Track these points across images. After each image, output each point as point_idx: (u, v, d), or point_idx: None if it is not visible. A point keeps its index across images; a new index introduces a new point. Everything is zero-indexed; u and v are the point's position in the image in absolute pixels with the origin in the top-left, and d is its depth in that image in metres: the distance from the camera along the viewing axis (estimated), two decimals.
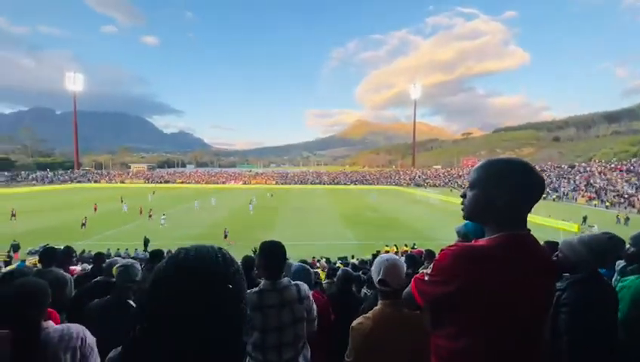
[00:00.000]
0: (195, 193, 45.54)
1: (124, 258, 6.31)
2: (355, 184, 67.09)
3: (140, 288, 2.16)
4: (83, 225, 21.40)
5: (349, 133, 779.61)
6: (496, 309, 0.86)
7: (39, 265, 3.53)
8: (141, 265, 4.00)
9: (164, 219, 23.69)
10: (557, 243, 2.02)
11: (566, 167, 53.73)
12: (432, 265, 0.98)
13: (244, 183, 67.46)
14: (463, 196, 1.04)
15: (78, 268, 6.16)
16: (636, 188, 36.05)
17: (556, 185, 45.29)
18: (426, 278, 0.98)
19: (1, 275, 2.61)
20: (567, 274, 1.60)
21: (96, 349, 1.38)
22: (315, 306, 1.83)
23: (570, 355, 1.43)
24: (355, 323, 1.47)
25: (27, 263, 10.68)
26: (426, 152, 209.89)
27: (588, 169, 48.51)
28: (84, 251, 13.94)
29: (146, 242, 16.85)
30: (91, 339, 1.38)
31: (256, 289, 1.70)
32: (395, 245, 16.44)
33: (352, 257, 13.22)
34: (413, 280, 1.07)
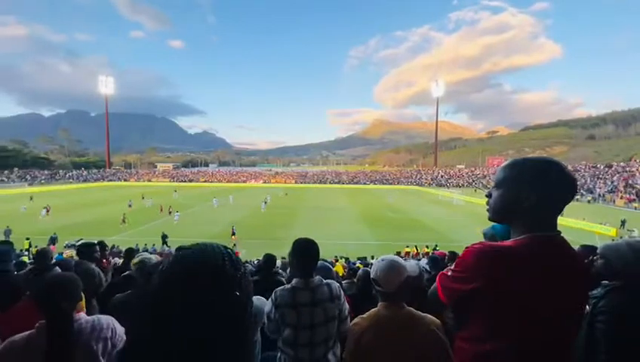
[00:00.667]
0: (217, 191, 46.77)
1: (151, 253, 6.59)
2: (375, 184, 66.28)
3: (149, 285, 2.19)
4: (123, 221, 22.82)
5: (369, 133, 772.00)
6: (522, 311, 0.84)
7: (76, 258, 3.74)
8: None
9: (177, 215, 24.87)
10: (594, 248, 1.88)
11: (602, 167, 50.45)
12: (455, 262, 0.97)
13: (264, 182, 68.47)
14: (489, 196, 1.01)
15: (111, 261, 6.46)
16: None
17: (591, 186, 42.60)
18: (449, 274, 0.97)
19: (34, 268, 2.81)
20: (605, 282, 1.49)
21: (125, 339, 1.43)
22: (347, 305, 1.81)
23: None
24: (352, 322, 1.45)
25: (64, 256, 11.39)
26: (449, 151, 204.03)
27: (627, 169, 45.21)
28: (114, 246, 14.69)
29: (164, 238, 17.56)
30: (120, 330, 1.44)
31: (289, 286, 1.71)
32: (416, 246, 16.10)
33: (372, 258, 13.07)
34: (438, 276, 1.05)
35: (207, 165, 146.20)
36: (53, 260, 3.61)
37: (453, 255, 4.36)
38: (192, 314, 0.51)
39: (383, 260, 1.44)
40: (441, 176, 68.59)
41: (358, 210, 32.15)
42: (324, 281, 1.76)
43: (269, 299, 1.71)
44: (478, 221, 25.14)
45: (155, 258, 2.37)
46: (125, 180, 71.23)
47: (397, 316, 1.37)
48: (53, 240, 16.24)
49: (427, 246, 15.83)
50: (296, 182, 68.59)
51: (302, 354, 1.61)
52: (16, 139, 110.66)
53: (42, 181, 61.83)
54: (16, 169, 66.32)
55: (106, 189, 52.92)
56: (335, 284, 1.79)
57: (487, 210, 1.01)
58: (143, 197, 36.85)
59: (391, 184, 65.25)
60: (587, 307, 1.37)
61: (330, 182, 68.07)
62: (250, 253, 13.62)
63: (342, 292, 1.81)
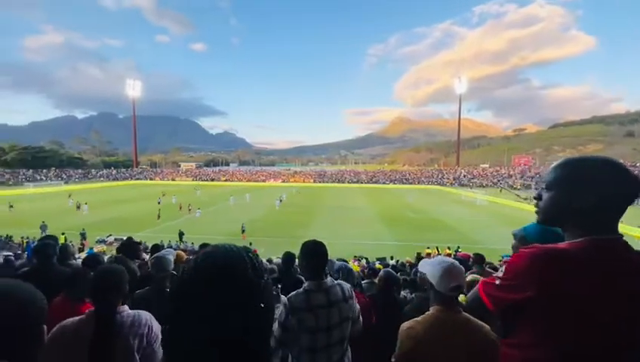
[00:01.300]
0: (236, 190, 47.75)
1: (175, 249, 6.81)
2: (395, 183, 65.20)
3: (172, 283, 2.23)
4: (158, 217, 24.70)
5: (388, 131, 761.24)
6: (579, 318, 0.79)
7: (110, 253, 3.90)
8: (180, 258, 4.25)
9: (199, 212, 26.50)
10: None
11: None
12: (504, 268, 0.90)
13: (283, 181, 69.11)
14: (538, 198, 0.95)
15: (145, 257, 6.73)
16: None
17: None
18: (498, 282, 0.91)
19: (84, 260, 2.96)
20: None
21: (160, 337, 1.46)
22: (357, 306, 1.80)
23: None
24: (405, 326, 1.40)
25: (95, 250, 12.02)
26: (472, 150, 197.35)
27: None
28: (140, 242, 15.34)
29: (181, 235, 18.14)
30: (157, 327, 1.46)
31: (302, 290, 1.68)
32: (437, 247, 15.69)
33: (391, 258, 12.87)
34: (480, 284, 1.00)
35: (227, 164, 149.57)
36: (77, 256, 3.78)
37: (478, 257, 4.19)
38: (208, 316, 0.51)
39: (440, 263, 1.40)
40: (464, 176, 66.42)
41: (377, 210, 31.77)
42: (336, 281, 1.75)
43: (280, 307, 1.64)
44: (503, 222, 24.17)
45: (173, 255, 2.42)
46: (151, 179, 74.20)
47: (454, 320, 1.33)
48: (83, 236, 17.25)
49: (449, 248, 15.40)
50: (314, 182, 68.74)
51: (320, 359, 1.58)
52: (54, 141, 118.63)
53: (76, 179, 65.71)
54: (53, 168, 70.95)
55: (133, 187, 55.42)
56: (346, 285, 1.78)
57: (537, 213, 0.96)
58: (163, 195, 38.73)
59: (411, 183, 63.92)
60: None
61: (348, 182, 67.65)
62: (268, 252, 13.78)
63: (353, 293, 1.80)
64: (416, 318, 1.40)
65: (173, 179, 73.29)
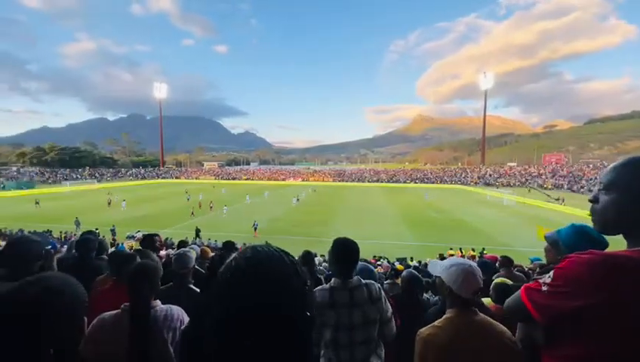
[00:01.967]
0: (257, 189, 48.63)
1: (199, 246, 7.05)
2: (416, 182, 63.82)
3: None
4: (192, 213, 26.19)
5: (410, 129, 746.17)
6: None
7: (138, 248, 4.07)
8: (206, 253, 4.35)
9: (226, 209, 27.86)
10: None
11: None
12: (552, 273, 0.83)
13: (303, 180, 69.56)
14: (594, 200, 0.87)
15: (162, 253, 7.02)
16: None
17: None
18: (544, 288, 0.84)
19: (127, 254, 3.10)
20: None
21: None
22: (390, 307, 1.76)
23: None
24: (424, 332, 1.34)
25: (125, 246, 12.63)
26: (498, 148, 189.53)
27: None
28: (167, 238, 15.98)
29: (197, 232, 18.66)
30: (187, 321, 1.51)
31: (327, 286, 1.68)
32: (460, 249, 15.21)
33: (411, 259, 12.62)
34: (523, 289, 0.93)
35: (248, 163, 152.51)
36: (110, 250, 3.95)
37: (506, 260, 4.01)
38: (244, 320, 0.50)
39: (457, 265, 1.34)
40: (489, 175, 63.83)
41: (397, 209, 31.24)
42: (363, 282, 1.71)
43: None
44: (532, 224, 23.04)
45: (195, 251, 2.48)
46: (177, 178, 77.11)
47: (472, 323, 1.29)
48: (113, 232, 18.20)
49: (473, 250, 14.88)
50: (333, 181, 68.66)
51: (343, 355, 1.58)
52: (88, 142, 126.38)
53: (108, 178, 69.51)
54: (87, 167, 75.57)
55: (160, 186, 57.88)
56: (375, 285, 1.73)
57: (592, 218, 0.88)
58: (186, 192, 41.01)
59: (433, 183, 62.29)
60: None
61: (368, 181, 66.99)
62: (286, 250, 13.92)
63: (382, 293, 1.75)
64: (434, 323, 1.35)
65: (196, 178, 75.69)
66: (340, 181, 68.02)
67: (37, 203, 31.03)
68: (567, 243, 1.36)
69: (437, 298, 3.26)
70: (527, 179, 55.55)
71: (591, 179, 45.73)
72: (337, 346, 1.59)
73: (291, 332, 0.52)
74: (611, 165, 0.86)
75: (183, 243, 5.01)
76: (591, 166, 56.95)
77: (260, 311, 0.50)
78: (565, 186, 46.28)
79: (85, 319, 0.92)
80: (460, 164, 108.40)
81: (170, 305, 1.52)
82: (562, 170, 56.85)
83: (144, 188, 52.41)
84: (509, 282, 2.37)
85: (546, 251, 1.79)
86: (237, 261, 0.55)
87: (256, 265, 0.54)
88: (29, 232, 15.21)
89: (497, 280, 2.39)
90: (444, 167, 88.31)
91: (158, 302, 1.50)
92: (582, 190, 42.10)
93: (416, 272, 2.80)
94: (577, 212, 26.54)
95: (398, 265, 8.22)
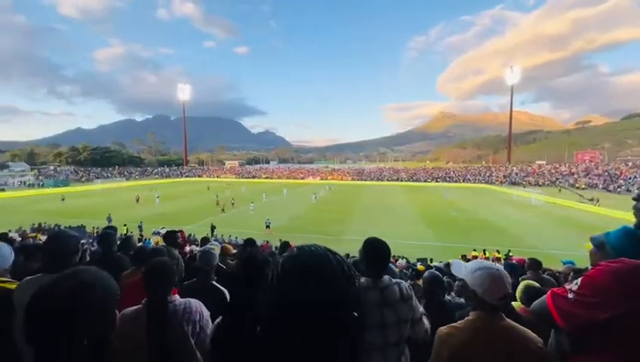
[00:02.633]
0: (276, 187, 49.24)
1: (220, 242, 7.22)
2: (437, 181, 62.20)
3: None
4: (222, 210, 27.67)
5: (430, 127, 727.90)
6: None
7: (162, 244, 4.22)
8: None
9: (252, 206, 28.93)
10: None
11: None
12: (580, 281, 0.81)
13: (322, 179, 69.68)
14: (639, 199, 0.83)
15: (187, 248, 7.25)
16: None
17: None
18: (571, 296, 0.81)
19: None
20: None
21: (211, 322, 1.54)
22: (420, 306, 1.74)
23: None
24: (442, 331, 1.32)
25: (152, 241, 13.16)
26: (526, 146, 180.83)
27: None
28: (190, 235, 16.53)
29: (213, 228, 19.20)
30: (207, 314, 1.57)
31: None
32: (484, 250, 14.69)
33: (431, 261, 12.32)
34: (549, 295, 0.91)
35: (267, 162, 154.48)
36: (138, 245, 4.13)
37: (533, 262, 3.84)
38: (290, 318, 0.50)
39: (483, 269, 1.28)
40: (516, 174, 61.08)
41: (418, 208, 30.59)
42: (394, 281, 1.69)
43: None
44: (563, 225, 21.87)
45: (218, 248, 2.54)
46: (199, 176, 79.63)
47: (495, 327, 1.24)
48: (140, 228, 19.11)
49: (498, 251, 14.32)
50: (352, 179, 68.27)
51: (375, 356, 1.56)
52: (117, 142, 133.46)
53: (136, 176, 72.94)
54: (117, 166, 79.77)
55: (184, 184, 59.96)
56: (404, 284, 1.71)
57: (636, 217, 0.83)
58: (208, 188, 45.12)
59: (455, 182, 60.47)
60: None
61: (387, 179, 66.09)
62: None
63: (412, 292, 1.72)
64: (454, 324, 1.31)
65: (218, 177, 77.74)
66: (358, 180, 67.54)
67: (63, 199, 33.56)
68: (616, 246, 1.26)
69: (461, 299, 3.17)
70: (557, 178, 52.66)
71: (629, 178, 42.69)
72: (370, 348, 1.56)
73: (337, 331, 0.52)
74: None
75: (205, 240, 5.16)
76: (629, 164, 53.04)
77: (304, 309, 0.50)
78: (600, 186, 43.46)
79: (117, 312, 0.95)
80: (484, 162, 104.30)
81: (189, 299, 1.57)
82: (597, 169, 53.37)
83: (169, 186, 54.46)
84: (537, 285, 2.26)
85: (591, 254, 1.68)
86: (283, 260, 0.56)
87: (301, 264, 0.54)
88: (66, 227, 16.24)
89: (525, 282, 2.30)
90: (468, 166, 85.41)
91: (176, 296, 1.55)
92: (619, 190, 39.37)
93: (438, 273, 2.73)
94: (614, 213, 24.89)
95: (419, 266, 8.05)
